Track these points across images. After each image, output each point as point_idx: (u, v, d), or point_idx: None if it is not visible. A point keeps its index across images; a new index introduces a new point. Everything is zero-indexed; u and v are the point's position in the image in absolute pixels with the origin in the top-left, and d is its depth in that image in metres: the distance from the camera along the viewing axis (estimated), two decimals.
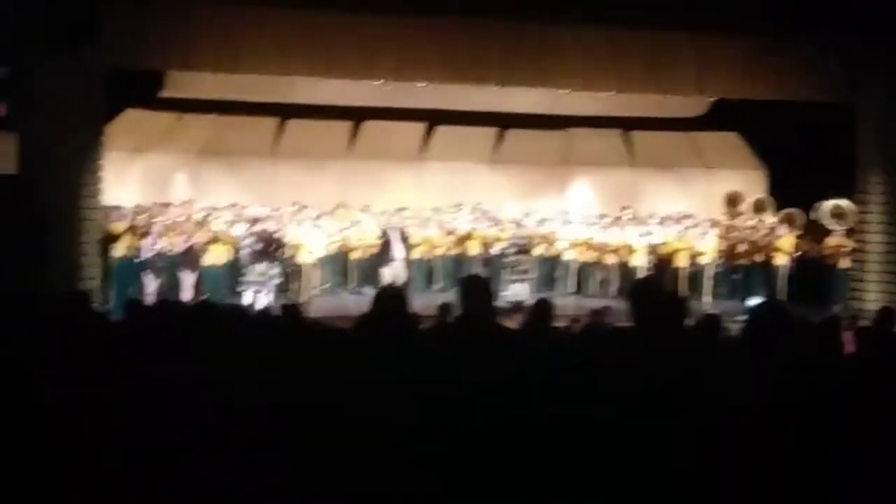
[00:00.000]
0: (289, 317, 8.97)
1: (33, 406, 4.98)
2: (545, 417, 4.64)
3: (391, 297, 5.82)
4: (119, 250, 17.99)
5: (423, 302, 18.51)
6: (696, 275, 20.94)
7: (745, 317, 11.41)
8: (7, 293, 7.45)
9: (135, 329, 7.29)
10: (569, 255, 21.88)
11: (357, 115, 23.45)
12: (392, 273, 19.49)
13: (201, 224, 19.48)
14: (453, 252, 21.72)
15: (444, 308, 12.30)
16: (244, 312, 9.31)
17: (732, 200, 23.27)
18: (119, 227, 18.31)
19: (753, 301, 13.34)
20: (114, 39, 16.07)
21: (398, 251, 19.86)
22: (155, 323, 7.27)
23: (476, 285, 5.71)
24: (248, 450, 4.66)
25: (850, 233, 20.11)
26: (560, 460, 4.54)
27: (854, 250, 19.67)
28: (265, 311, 12.34)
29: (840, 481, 4.71)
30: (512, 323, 8.99)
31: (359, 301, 19.02)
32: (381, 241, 20.33)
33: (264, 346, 6.34)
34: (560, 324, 11.49)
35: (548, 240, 21.84)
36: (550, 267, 22.10)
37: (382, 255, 19.98)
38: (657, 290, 5.58)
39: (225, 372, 5.13)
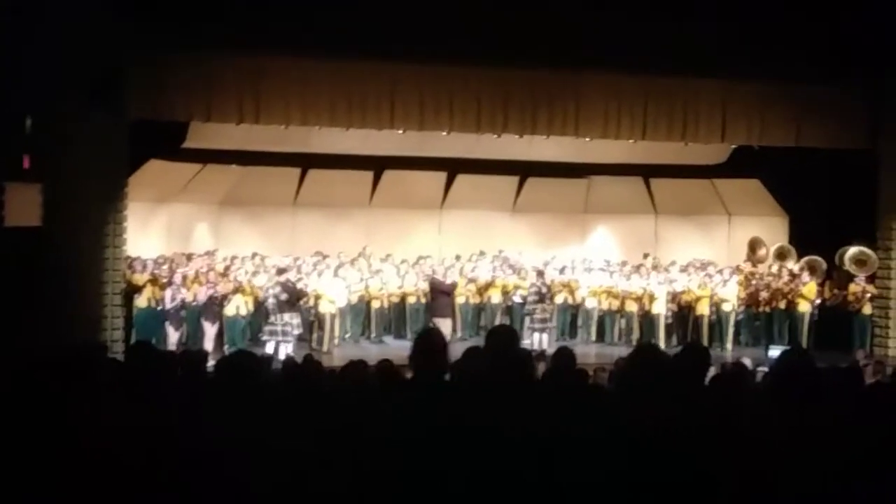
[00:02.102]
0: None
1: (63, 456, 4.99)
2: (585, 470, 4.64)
3: (504, 335, 5.77)
4: (142, 301, 18.07)
5: None
6: (718, 322, 20.83)
7: (767, 365, 11.35)
8: (29, 349, 7.47)
9: (155, 377, 7.29)
10: (590, 303, 21.82)
11: (378, 164, 23.52)
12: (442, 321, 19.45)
13: (223, 274, 19.53)
14: (474, 300, 21.69)
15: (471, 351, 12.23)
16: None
17: (754, 247, 23.23)
18: (141, 277, 18.39)
19: (777, 350, 13.25)
20: (138, 92, 16.26)
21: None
22: (179, 372, 7.28)
23: (504, 336, 5.68)
24: None
25: (872, 279, 20.03)
26: None
27: (876, 296, 19.59)
28: (291, 361, 12.35)
29: None
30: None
31: (380, 350, 19.00)
32: (426, 291, 20.57)
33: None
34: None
35: (569, 287, 21.79)
36: (572, 315, 22.05)
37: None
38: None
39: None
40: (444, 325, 19.21)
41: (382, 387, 6.48)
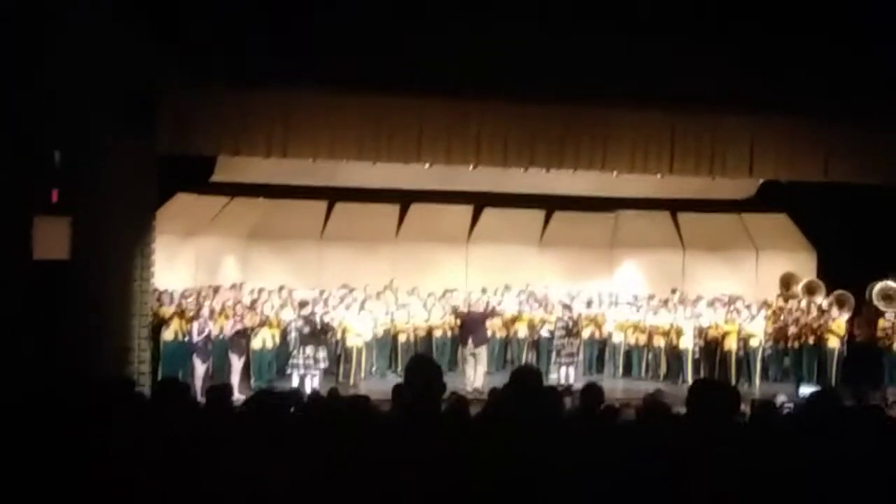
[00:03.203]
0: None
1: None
2: None
3: (529, 374, 5.76)
4: (169, 334, 18.10)
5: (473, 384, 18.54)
6: (746, 358, 20.71)
7: (797, 403, 11.28)
8: (58, 384, 7.48)
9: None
10: (617, 338, 21.76)
11: (405, 198, 23.58)
12: (471, 355, 19.35)
13: (250, 307, 19.57)
14: (501, 334, 21.64)
15: (493, 394, 12.21)
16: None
17: (787, 282, 23.12)
18: (169, 310, 18.45)
19: (807, 388, 13.17)
20: (166, 125, 16.32)
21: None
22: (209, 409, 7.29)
23: (528, 376, 5.66)
24: None
25: None
26: None
27: None
28: (317, 395, 12.35)
29: None
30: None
31: None
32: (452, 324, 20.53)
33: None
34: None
35: (596, 322, 21.74)
36: (598, 349, 21.98)
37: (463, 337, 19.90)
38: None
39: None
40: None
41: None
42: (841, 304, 21.22)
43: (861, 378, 19.03)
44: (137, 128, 15.81)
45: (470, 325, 19.62)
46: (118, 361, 15.88)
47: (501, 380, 6.78)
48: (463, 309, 20.43)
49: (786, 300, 22.58)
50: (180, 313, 18.43)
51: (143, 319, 16.97)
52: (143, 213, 16.83)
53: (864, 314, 21.08)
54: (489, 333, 20.78)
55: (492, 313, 20.34)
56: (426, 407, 5.30)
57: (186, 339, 18.17)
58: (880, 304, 20.44)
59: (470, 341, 19.32)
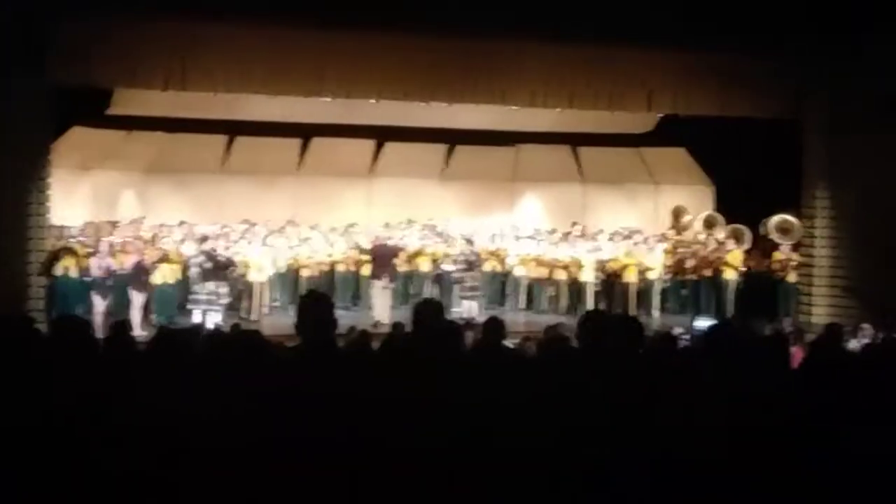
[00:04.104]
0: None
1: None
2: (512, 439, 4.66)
3: (430, 308, 5.79)
4: (61, 270, 17.67)
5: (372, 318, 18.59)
6: (644, 290, 21.03)
7: (692, 334, 11.50)
8: None
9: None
10: (519, 272, 21.91)
11: (306, 132, 23.40)
12: (383, 289, 19.36)
13: (150, 242, 19.34)
14: (403, 269, 21.67)
15: (397, 327, 12.29)
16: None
17: (677, 215, 23.50)
18: (66, 245, 18.11)
19: (703, 321, 13.40)
20: (61, 56, 15.97)
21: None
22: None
23: (429, 309, 5.71)
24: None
25: (796, 247, 20.30)
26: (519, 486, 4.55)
27: (801, 264, 19.87)
28: (218, 331, 12.28)
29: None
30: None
31: None
32: (369, 258, 20.20)
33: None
34: (513, 341, 11.50)
35: (498, 256, 21.85)
36: (500, 283, 22.13)
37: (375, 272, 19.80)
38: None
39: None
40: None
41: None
42: (737, 237, 21.58)
43: (757, 309, 19.43)
44: (27, 59, 15.44)
45: (382, 261, 19.62)
46: (13, 298, 15.62)
47: (405, 314, 6.82)
48: (375, 244, 20.33)
49: (678, 232, 22.94)
50: (72, 249, 18.00)
51: (40, 256, 16.71)
52: (37, 147, 16.49)
53: (760, 247, 21.47)
54: None
55: (399, 249, 20.41)
56: (319, 342, 5.30)
57: (85, 276, 17.85)
58: (776, 237, 20.82)
59: (386, 277, 19.39)
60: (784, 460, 4.85)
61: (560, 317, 19.26)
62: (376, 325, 17.77)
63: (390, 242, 20.47)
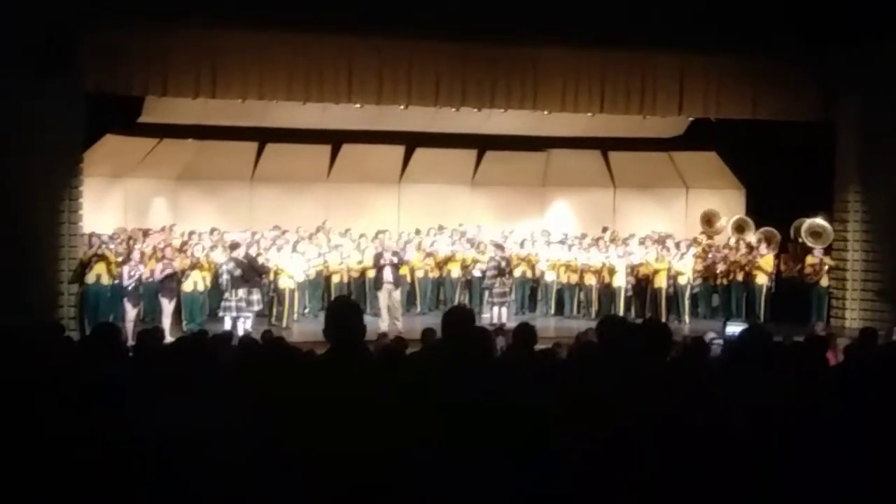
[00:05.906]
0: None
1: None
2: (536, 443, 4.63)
3: (461, 314, 5.75)
4: (92, 277, 17.70)
5: (405, 325, 18.57)
6: (675, 295, 20.93)
7: (723, 339, 11.40)
8: None
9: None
10: (549, 277, 21.86)
11: (336, 139, 23.41)
12: (386, 296, 19.30)
13: (181, 250, 19.40)
14: (434, 275, 21.67)
15: (428, 333, 12.23)
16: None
17: (708, 219, 23.35)
18: (98, 253, 18.17)
19: (734, 326, 13.30)
20: (93, 65, 16.09)
21: (388, 274, 19.52)
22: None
23: (460, 315, 5.67)
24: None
25: (828, 251, 20.17)
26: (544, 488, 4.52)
27: (833, 268, 19.75)
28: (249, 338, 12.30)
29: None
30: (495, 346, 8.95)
31: None
32: (375, 265, 20.03)
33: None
34: (543, 346, 11.46)
35: (528, 261, 21.81)
36: (531, 288, 22.09)
37: (377, 278, 19.70)
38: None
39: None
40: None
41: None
42: (768, 240, 21.46)
43: (789, 314, 19.33)
44: (61, 67, 15.53)
45: (385, 269, 19.51)
46: (46, 306, 15.71)
47: (434, 321, 6.80)
48: (376, 252, 20.10)
49: (708, 237, 22.82)
50: (104, 257, 18.04)
51: (72, 263, 16.80)
52: (70, 155, 16.60)
53: (791, 251, 21.35)
54: (422, 275, 21.16)
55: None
56: (347, 348, 5.28)
57: (116, 282, 17.91)
58: (809, 241, 20.67)
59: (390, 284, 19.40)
60: (820, 465, 4.81)
61: (591, 322, 19.19)
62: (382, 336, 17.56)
63: (395, 249, 20.20)
